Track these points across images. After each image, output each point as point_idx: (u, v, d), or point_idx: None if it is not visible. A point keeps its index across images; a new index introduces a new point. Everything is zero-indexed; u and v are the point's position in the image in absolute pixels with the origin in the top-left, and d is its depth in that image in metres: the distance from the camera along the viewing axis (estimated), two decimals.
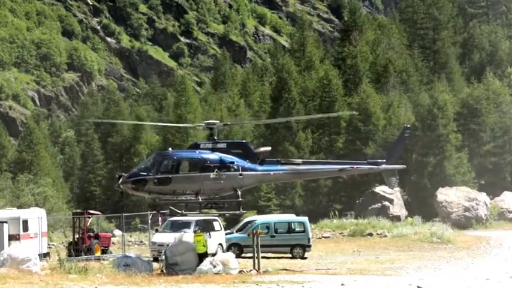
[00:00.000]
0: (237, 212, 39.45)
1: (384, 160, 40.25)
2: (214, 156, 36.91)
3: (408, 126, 43.83)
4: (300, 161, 41.40)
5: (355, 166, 40.67)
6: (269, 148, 40.60)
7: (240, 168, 37.03)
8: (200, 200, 37.14)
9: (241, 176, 37.06)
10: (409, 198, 78.36)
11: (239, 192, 37.38)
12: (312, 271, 37.63)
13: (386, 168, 40.06)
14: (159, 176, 36.14)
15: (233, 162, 36.99)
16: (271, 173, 38.23)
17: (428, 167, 80.00)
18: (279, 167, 38.52)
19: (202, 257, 35.71)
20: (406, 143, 43.10)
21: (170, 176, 36.21)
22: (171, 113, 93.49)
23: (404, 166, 41.66)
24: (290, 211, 68.47)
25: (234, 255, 37.78)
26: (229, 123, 40.82)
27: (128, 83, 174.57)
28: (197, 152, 37.28)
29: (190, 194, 36.94)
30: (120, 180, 36.85)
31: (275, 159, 39.49)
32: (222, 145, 37.61)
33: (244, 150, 37.85)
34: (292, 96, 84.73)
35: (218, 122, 39.58)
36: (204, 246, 36.22)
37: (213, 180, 36.59)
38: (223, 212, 40.52)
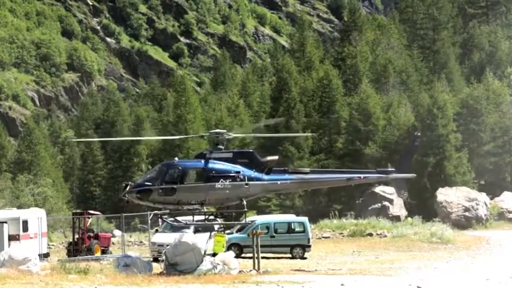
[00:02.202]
0: (242, 222, 39.36)
1: (393, 169, 40.15)
2: (220, 166, 36.70)
3: (419, 134, 43.56)
4: (307, 170, 41.14)
5: (362, 176, 40.50)
6: (276, 157, 40.35)
7: (246, 177, 36.75)
8: (205, 210, 37.09)
9: (247, 186, 36.79)
10: (409, 198, 78.36)
11: (244, 202, 37.17)
12: (312, 271, 37.65)
13: (396, 177, 39.90)
14: (163, 186, 36.05)
15: (239, 172, 36.74)
16: (278, 182, 37.93)
17: (428, 167, 79.98)
18: (286, 176, 38.27)
19: (212, 256, 35.76)
20: (416, 151, 42.68)
21: (175, 186, 36.11)
22: (170, 113, 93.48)
23: (414, 175, 41.37)
24: (290, 211, 68.48)
25: (234, 255, 37.79)
26: (235, 133, 40.56)
27: (127, 83, 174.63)
28: (202, 161, 37.09)
29: (195, 204, 36.85)
30: (126, 189, 36.83)
31: (282, 168, 39.27)
32: (228, 154, 37.35)
33: (250, 160, 37.53)
34: (292, 96, 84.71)
35: (224, 131, 39.44)
36: (223, 247, 36.28)
37: (219, 190, 36.44)
38: (229, 223, 40.32)
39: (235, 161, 37.14)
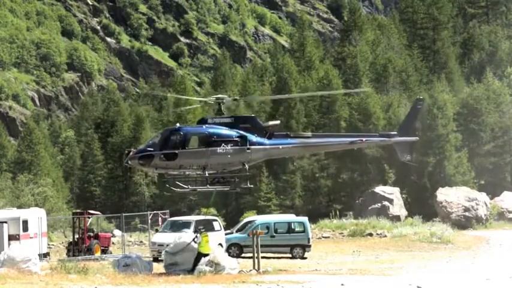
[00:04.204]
0: (245, 186, 38.93)
1: (396, 132, 39.99)
2: (221, 130, 36.79)
3: (421, 98, 43.43)
4: (309, 134, 41.17)
5: (364, 139, 40.41)
6: (278, 122, 40.45)
7: (247, 142, 36.87)
8: (207, 174, 36.97)
9: (249, 150, 36.89)
10: (409, 198, 78.33)
11: (247, 167, 37.19)
12: (312, 271, 37.65)
13: (398, 140, 39.64)
14: (165, 151, 36.10)
15: (241, 137, 36.86)
16: (280, 146, 37.93)
17: (428, 167, 79.98)
18: (289, 140, 38.24)
19: (205, 257, 35.57)
20: (419, 115, 42.18)
21: (176, 151, 36.15)
22: (170, 113, 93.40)
23: (417, 138, 41.09)
24: (290, 211, 68.50)
25: (226, 254, 37.75)
26: (238, 98, 40.50)
27: (127, 83, 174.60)
28: (204, 126, 37.18)
29: (197, 169, 36.81)
30: (129, 156, 36.89)
31: (284, 133, 39.37)
32: (230, 119, 37.47)
33: (252, 125, 37.63)
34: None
35: (227, 96, 39.34)
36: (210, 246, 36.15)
37: (220, 155, 36.47)
38: (232, 187, 39.38)
39: (236, 126, 37.20)
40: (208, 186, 38.00)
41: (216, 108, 38.20)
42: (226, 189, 39.77)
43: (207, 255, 35.52)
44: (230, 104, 39.22)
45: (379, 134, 41.72)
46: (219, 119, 37.28)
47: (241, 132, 36.96)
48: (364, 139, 40.36)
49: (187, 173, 37.24)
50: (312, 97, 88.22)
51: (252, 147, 36.97)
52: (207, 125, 37.14)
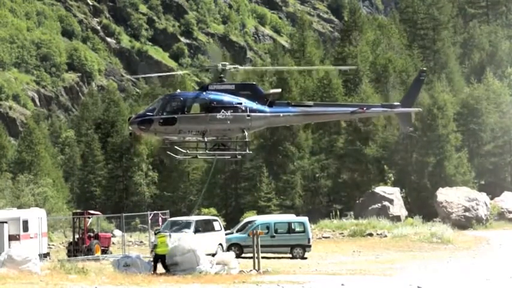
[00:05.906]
0: (244, 152, 38.73)
1: (399, 103, 39.81)
2: (221, 97, 36.68)
3: (424, 69, 43.26)
4: (311, 103, 41.02)
5: (365, 108, 40.15)
6: (279, 90, 40.44)
7: (247, 109, 36.74)
8: (206, 140, 36.77)
9: (249, 117, 36.78)
10: (409, 198, 78.32)
11: (246, 133, 37.07)
12: (312, 271, 37.63)
13: (400, 111, 39.41)
14: (164, 116, 35.97)
15: (241, 103, 36.73)
16: (281, 114, 37.81)
17: (428, 167, 79.97)
18: (290, 109, 38.13)
19: (163, 258, 35.20)
20: (421, 86, 41.96)
21: (175, 116, 36.02)
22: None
23: (420, 109, 41.07)
24: (290, 211, 68.51)
25: (234, 255, 37.78)
26: (238, 66, 40.35)
27: (128, 83, 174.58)
28: (204, 93, 37.05)
29: (196, 135, 36.71)
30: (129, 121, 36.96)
31: (285, 102, 39.28)
32: (230, 86, 37.35)
33: (253, 92, 37.52)
34: (293, 96, 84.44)
35: (227, 63, 39.35)
36: (166, 247, 35.55)
37: (220, 121, 36.38)
38: (232, 153, 39.12)
39: (237, 93, 37.10)
40: (207, 151, 37.74)
41: (216, 76, 38.17)
42: (226, 156, 39.54)
43: (163, 256, 35.18)
44: (230, 71, 39.07)
45: (381, 105, 41.39)
46: (220, 86, 37.15)
47: (242, 99, 36.83)
48: (365, 108, 40.04)
49: (186, 138, 37.12)
50: (311, 97, 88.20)
51: (252, 114, 36.86)
52: (207, 91, 37.02)
